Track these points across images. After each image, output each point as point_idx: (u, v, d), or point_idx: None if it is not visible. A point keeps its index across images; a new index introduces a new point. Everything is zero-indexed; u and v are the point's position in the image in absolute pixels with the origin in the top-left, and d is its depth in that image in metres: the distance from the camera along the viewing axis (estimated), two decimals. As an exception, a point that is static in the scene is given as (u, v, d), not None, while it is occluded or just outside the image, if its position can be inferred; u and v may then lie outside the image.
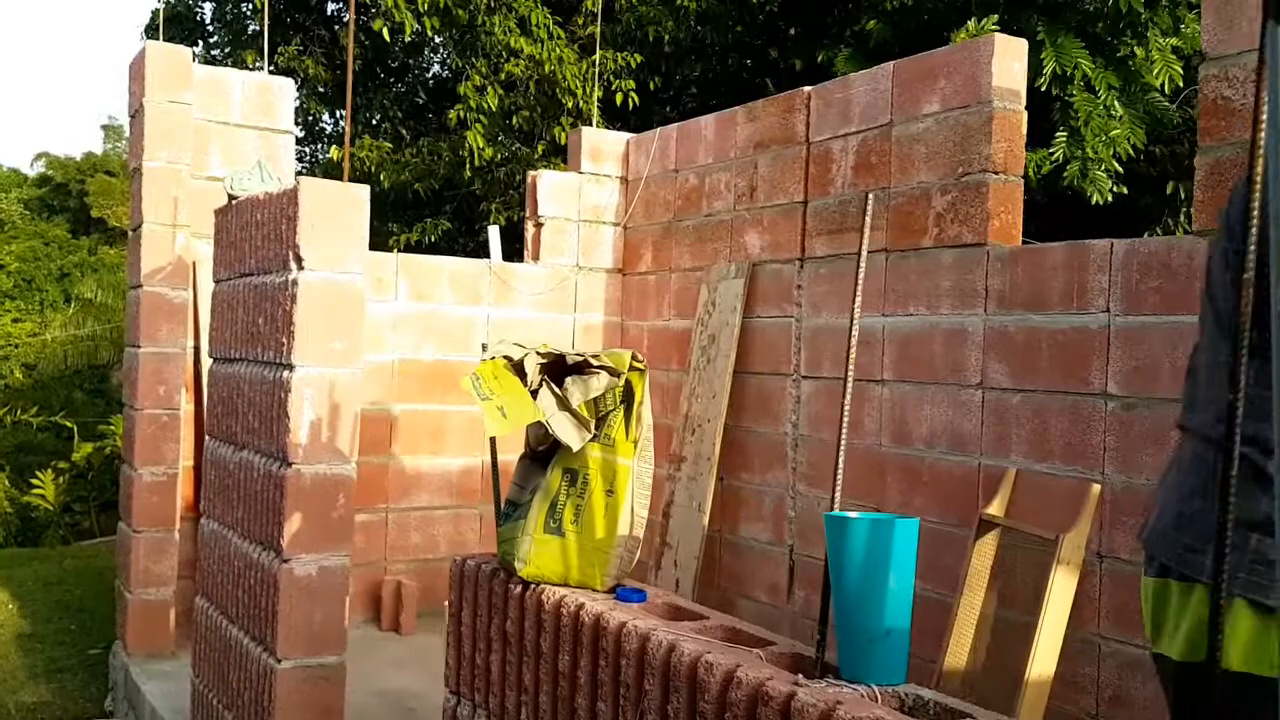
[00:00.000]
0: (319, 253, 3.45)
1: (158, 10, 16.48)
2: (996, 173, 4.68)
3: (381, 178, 11.58)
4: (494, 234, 6.91)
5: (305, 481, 3.45)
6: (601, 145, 7.11)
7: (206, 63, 17.42)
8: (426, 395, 6.50)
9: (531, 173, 7.01)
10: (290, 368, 3.45)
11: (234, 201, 4.13)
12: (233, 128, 5.95)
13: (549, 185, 6.93)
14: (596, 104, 10.56)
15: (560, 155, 11.38)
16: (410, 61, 14.72)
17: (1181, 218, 7.79)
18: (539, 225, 6.93)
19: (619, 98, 10.48)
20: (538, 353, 2.49)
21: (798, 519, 5.58)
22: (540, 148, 11.06)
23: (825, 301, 5.46)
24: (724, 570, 6.02)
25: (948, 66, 4.87)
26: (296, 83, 13.90)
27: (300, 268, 3.45)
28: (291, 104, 6.11)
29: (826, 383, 5.45)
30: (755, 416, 5.86)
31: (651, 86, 10.83)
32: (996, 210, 4.67)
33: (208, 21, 16.90)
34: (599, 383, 2.36)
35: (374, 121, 12.58)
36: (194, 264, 5.67)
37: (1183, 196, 7.67)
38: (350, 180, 10.67)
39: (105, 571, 8.94)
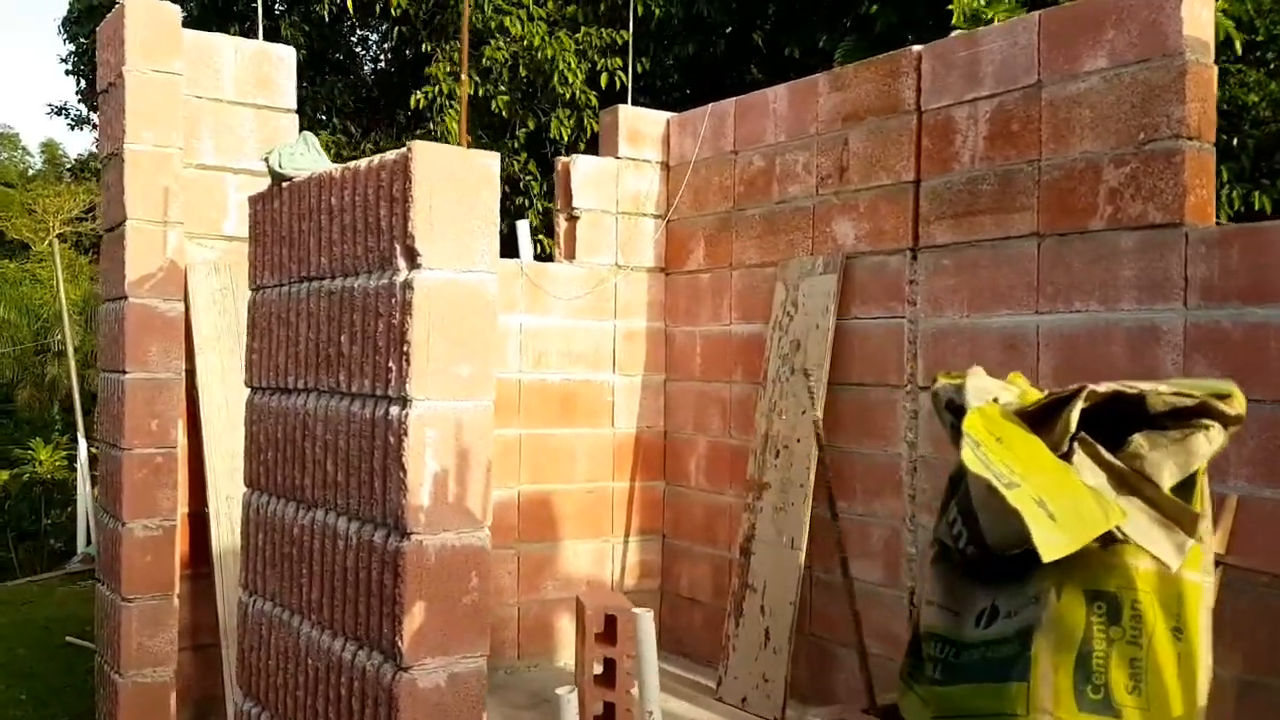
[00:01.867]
0: (441, 245, 2.52)
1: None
2: (1190, 138, 3.88)
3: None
4: (524, 229, 5.97)
5: (429, 558, 2.51)
6: (641, 126, 6.20)
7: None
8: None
9: (563, 159, 6.08)
10: (403, 402, 2.51)
11: (283, 184, 3.17)
12: (225, 105, 4.94)
13: (584, 172, 6.00)
14: (581, 85, 9.67)
15: (539, 148, 10.46)
16: (358, 50, 13.63)
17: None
18: (573, 219, 6.00)
19: (604, 79, 9.58)
20: (1093, 391, 1.45)
21: (920, 555, 4.75)
22: (522, 136, 10.11)
23: (950, 298, 4.63)
24: (818, 616, 5.17)
25: (1118, 14, 4.07)
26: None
27: (414, 266, 2.51)
28: (293, 76, 5.12)
29: (954, 393, 4.62)
30: (856, 435, 5.01)
31: (639, 69, 9.93)
32: (1192, 184, 3.88)
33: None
34: (1207, 443, 1.35)
35: (320, 117, 11.49)
36: (186, 269, 4.66)
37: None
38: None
39: (51, 625, 7.82)
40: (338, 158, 10.46)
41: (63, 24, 15.53)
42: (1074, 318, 4.17)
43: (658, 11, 9.80)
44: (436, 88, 9.76)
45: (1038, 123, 4.31)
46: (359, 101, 12.06)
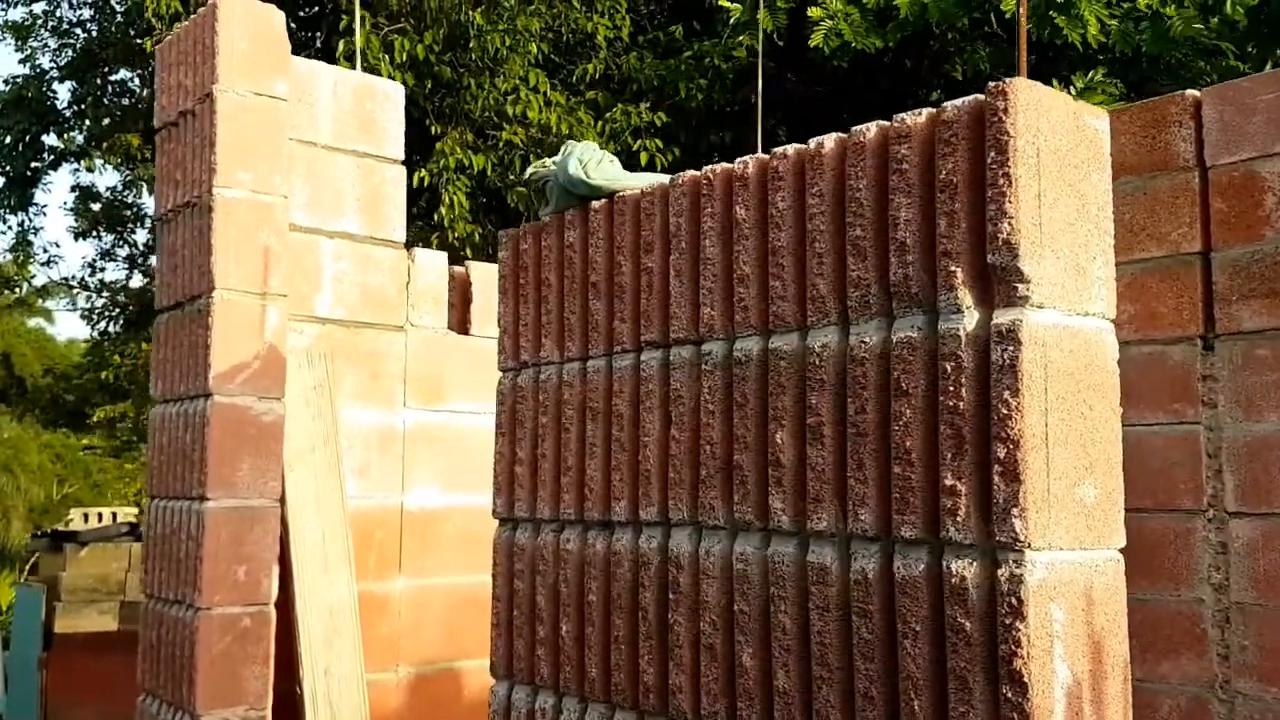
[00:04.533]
0: (1051, 266, 1.42)
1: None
2: None
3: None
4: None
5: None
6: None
7: (63, 161, 14.80)
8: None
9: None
10: (992, 554, 1.38)
11: (593, 204, 2.04)
12: (320, 150, 3.80)
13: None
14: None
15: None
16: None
17: None
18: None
19: (644, 157, 8.62)
20: None
21: (1242, 730, 3.65)
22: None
23: (1272, 396, 3.63)
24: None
25: None
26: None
27: (1006, 300, 1.41)
28: (401, 119, 4.01)
29: (1293, 519, 3.59)
30: (1130, 574, 3.93)
31: (670, 158, 9.00)
32: None
33: (63, 106, 14.39)
34: None
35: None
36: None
37: None
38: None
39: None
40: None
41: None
42: None
43: (699, 96, 8.94)
44: (442, 162, 8.67)
45: None
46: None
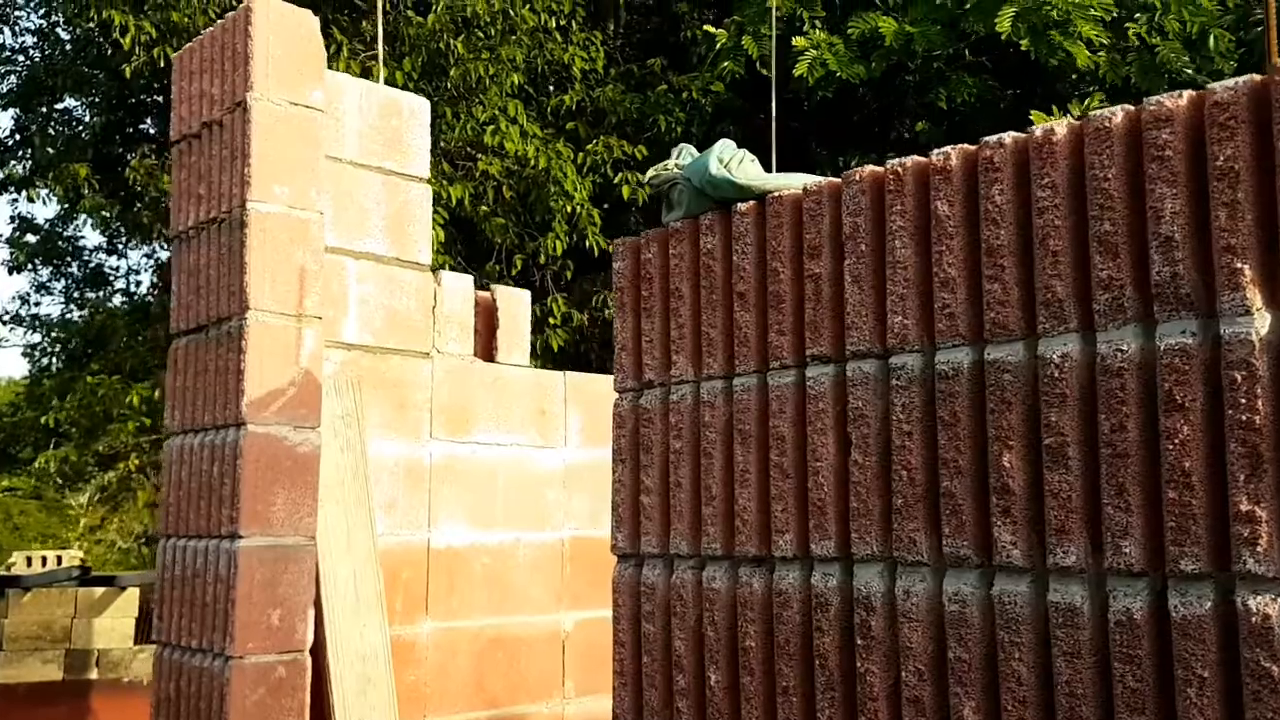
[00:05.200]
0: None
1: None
2: None
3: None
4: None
5: None
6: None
7: (4, 190, 14.29)
8: (604, 594, 4.13)
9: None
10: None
11: (739, 207, 1.86)
12: (346, 167, 3.59)
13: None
14: (588, 200, 8.54)
15: (528, 274, 9.20)
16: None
17: None
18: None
19: (625, 190, 8.47)
20: None
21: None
22: (519, 261, 8.83)
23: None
24: None
25: None
26: (145, 205, 11.24)
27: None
28: (427, 136, 3.81)
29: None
30: None
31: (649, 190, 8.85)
32: None
33: (4, 134, 13.94)
34: None
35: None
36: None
37: None
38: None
39: None
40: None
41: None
42: None
43: (679, 129, 8.81)
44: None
45: None
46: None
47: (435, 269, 3.82)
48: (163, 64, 8.56)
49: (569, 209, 8.40)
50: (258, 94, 3.07)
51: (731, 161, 1.87)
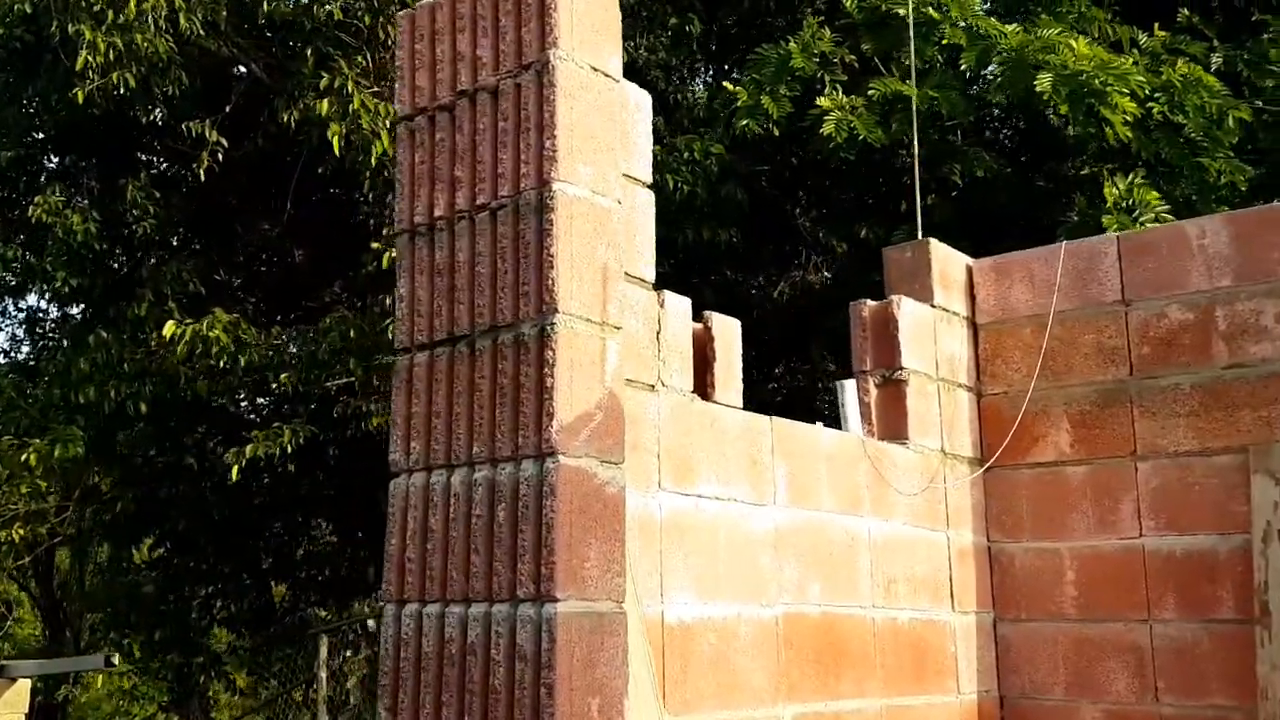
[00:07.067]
0: None
1: None
2: None
3: (242, 362, 8.15)
4: (849, 391, 4.17)
5: None
6: (950, 269, 4.65)
7: None
8: (820, 683, 3.56)
9: (869, 302, 4.36)
10: None
11: None
12: (582, 162, 3.02)
13: (910, 320, 4.33)
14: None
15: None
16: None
17: None
18: (894, 383, 4.27)
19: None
20: None
21: None
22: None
23: None
24: None
25: None
26: (58, 245, 10.15)
27: None
28: (650, 134, 3.26)
29: None
30: None
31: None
32: None
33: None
34: None
35: (225, 290, 9.09)
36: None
37: None
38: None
39: None
40: (263, 342, 8.12)
41: None
42: None
43: (684, 189, 8.38)
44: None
45: None
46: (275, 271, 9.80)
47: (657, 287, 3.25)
48: (123, 90, 7.75)
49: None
50: (563, 52, 2.51)
51: None
